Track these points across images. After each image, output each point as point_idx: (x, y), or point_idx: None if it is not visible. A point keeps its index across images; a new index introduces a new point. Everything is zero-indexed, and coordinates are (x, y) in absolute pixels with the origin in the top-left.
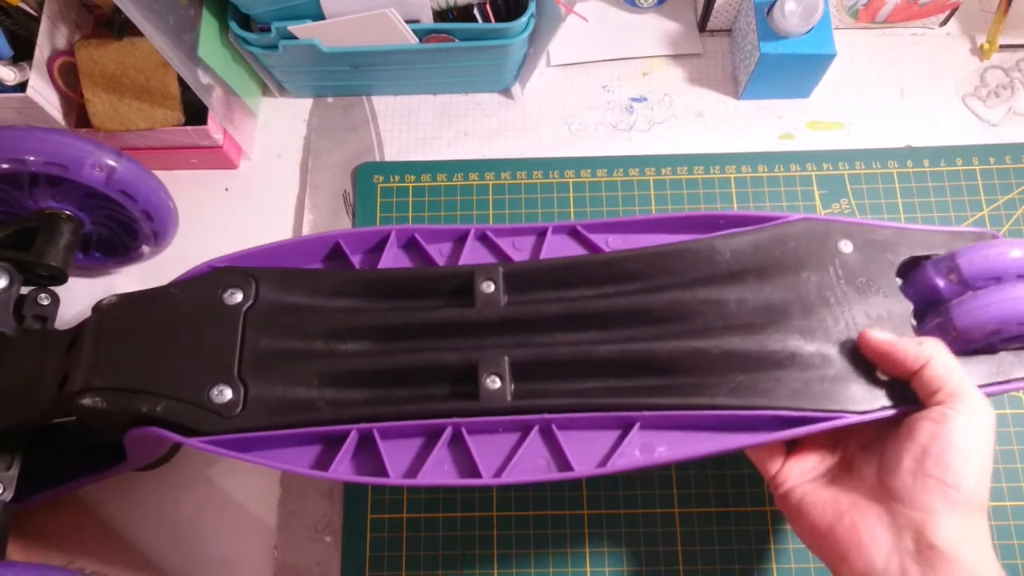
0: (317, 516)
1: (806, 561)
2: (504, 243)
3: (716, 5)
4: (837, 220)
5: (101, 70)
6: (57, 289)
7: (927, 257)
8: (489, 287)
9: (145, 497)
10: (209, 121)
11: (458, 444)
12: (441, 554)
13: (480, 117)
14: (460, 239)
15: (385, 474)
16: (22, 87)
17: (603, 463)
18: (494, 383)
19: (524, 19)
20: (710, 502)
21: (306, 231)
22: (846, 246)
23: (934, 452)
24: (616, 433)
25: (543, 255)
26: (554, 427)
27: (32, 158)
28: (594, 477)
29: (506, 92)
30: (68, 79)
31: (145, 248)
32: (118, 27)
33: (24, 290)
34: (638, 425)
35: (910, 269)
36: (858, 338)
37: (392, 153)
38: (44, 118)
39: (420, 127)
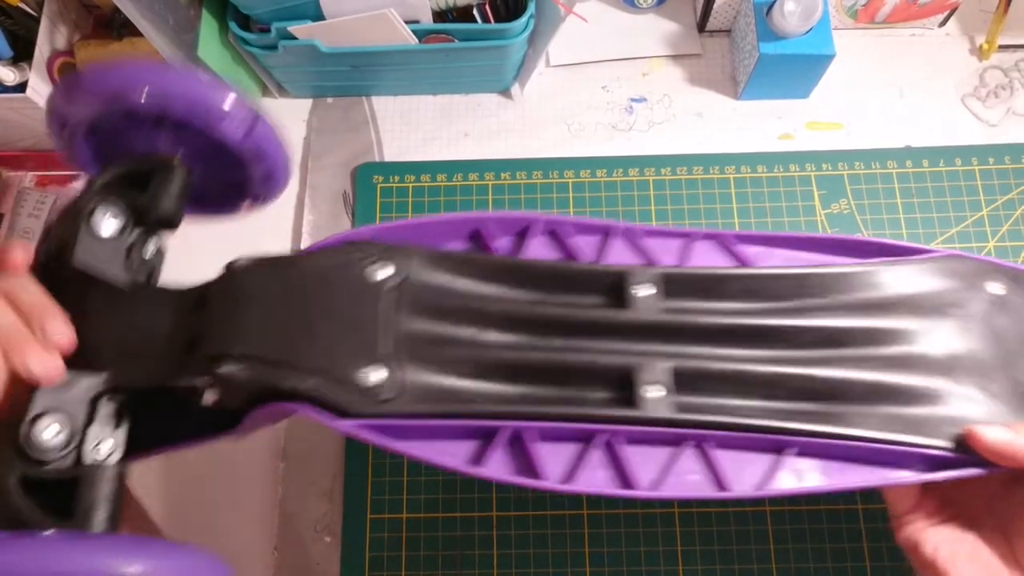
0: (317, 516)
1: (806, 561)
2: (649, 245)
3: (715, 5)
4: (985, 260)
5: None
6: None
7: None
8: (642, 291)
9: (144, 496)
10: None
11: (610, 452)
12: (441, 554)
13: (480, 117)
14: (605, 234)
15: (539, 476)
16: (22, 87)
17: (759, 487)
18: (653, 392)
19: (524, 19)
20: (710, 502)
21: (306, 232)
22: (998, 288)
23: None
24: (770, 456)
25: (690, 260)
26: (710, 444)
27: (177, 102)
28: (748, 499)
29: (506, 92)
30: None
31: (243, 208)
32: (118, 27)
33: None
34: (795, 450)
35: None
36: (966, 434)
37: (392, 153)
38: (43, 118)
39: (420, 127)
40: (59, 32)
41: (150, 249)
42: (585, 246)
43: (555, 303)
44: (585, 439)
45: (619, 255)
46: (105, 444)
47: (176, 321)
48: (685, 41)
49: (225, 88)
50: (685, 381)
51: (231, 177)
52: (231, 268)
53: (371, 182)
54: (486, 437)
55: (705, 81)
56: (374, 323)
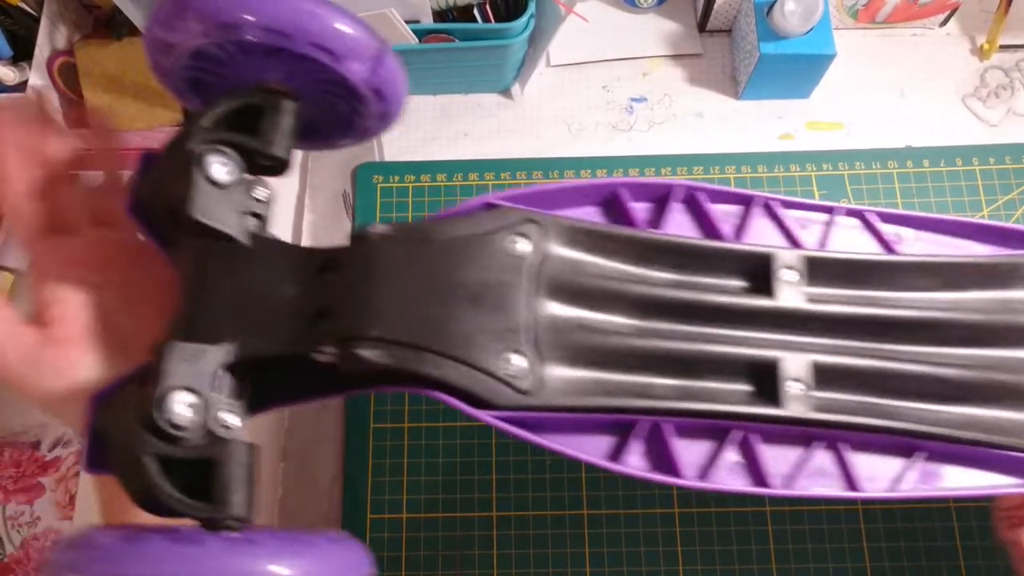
0: (317, 516)
1: (806, 561)
2: (789, 219)
3: (716, 5)
4: None
5: (101, 70)
6: None
7: None
8: (786, 275)
9: None
10: None
11: (743, 449)
12: (441, 554)
13: (480, 117)
14: (744, 204)
15: (676, 474)
16: (22, 87)
17: (889, 488)
18: (795, 388)
19: (524, 19)
20: (710, 502)
21: (306, 232)
22: None
23: None
24: (899, 457)
25: (831, 240)
26: (843, 443)
27: (300, 37)
28: (877, 501)
29: (506, 92)
30: (68, 79)
31: (343, 143)
32: (118, 27)
33: None
34: (925, 454)
35: None
36: None
37: (392, 153)
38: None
39: (420, 127)
40: (59, 32)
41: (259, 194)
42: (724, 217)
43: (695, 285)
44: (720, 434)
45: (760, 229)
46: (229, 415)
47: (302, 285)
48: (685, 41)
49: (354, 21)
50: (824, 376)
51: (342, 112)
52: (365, 235)
53: (371, 182)
54: (623, 431)
55: (705, 81)
56: (515, 305)
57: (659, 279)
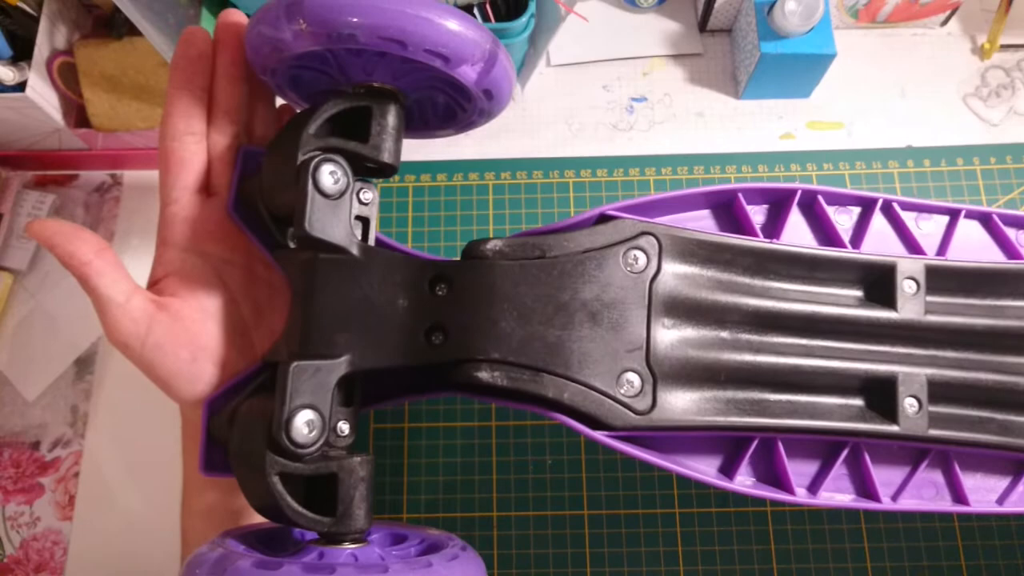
0: None
1: (806, 561)
2: (909, 222)
3: (716, 5)
4: None
5: (100, 70)
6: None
7: None
8: (907, 286)
9: (144, 496)
10: None
11: (853, 461)
12: None
13: None
14: (863, 207)
15: (788, 490)
16: (21, 87)
17: (998, 503)
18: (911, 404)
19: (524, 19)
20: (710, 502)
21: None
22: None
23: None
24: (1011, 473)
25: (953, 244)
26: (953, 458)
27: (415, 44)
28: (988, 515)
29: None
30: (67, 79)
31: (444, 132)
32: (117, 27)
33: None
34: None
35: None
36: None
37: None
38: (43, 118)
39: None
40: (58, 32)
41: (365, 197)
42: (843, 221)
43: (811, 297)
44: (829, 448)
45: (879, 234)
46: (344, 424)
47: (414, 298)
48: (686, 40)
49: (468, 23)
50: (940, 391)
51: (445, 106)
52: (479, 251)
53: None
54: (734, 446)
55: (706, 80)
56: (632, 323)
57: (775, 290)
